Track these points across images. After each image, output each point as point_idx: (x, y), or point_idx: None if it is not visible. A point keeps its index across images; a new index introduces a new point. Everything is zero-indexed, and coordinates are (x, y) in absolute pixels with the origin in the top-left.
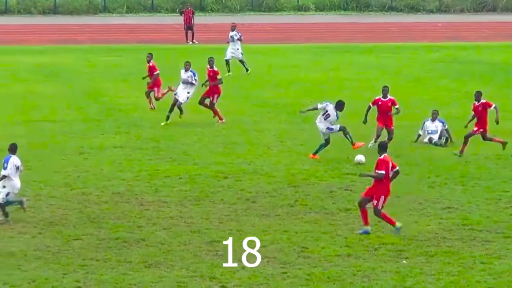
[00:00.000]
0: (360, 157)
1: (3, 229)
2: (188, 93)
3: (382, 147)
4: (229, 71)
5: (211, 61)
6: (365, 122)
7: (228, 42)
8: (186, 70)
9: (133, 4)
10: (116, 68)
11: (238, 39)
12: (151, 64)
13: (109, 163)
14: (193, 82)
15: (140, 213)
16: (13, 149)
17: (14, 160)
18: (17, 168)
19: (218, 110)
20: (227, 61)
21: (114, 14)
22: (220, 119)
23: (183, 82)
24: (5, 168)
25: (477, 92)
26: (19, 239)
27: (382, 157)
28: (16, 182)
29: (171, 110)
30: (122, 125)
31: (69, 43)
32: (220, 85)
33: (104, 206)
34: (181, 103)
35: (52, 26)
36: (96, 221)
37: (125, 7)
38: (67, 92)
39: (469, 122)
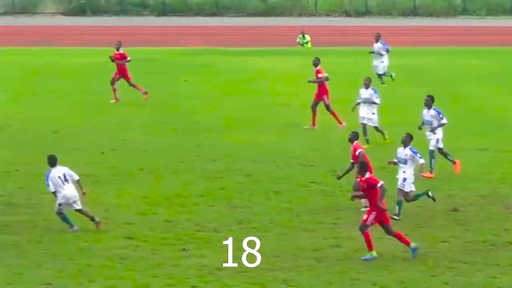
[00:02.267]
0: None
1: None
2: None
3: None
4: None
5: (315, 61)
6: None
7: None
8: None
9: (492, 6)
10: (478, 70)
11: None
12: None
13: (473, 165)
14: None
15: (506, 216)
16: (52, 162)
17: (55, 173)
18: (65, 177)
19: (335, 111)
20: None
21: (474, 17)
22: (340, 123)
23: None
24: (47, 186)
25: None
26: (387, 241)
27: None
28: (67, 192)
29: None
30: (487, 127)
31: (430, 44)
32: (326, 84)
33: (470, 208)
34: None
35: (411, 28)
36: (462, 223)
37: (485, 9)
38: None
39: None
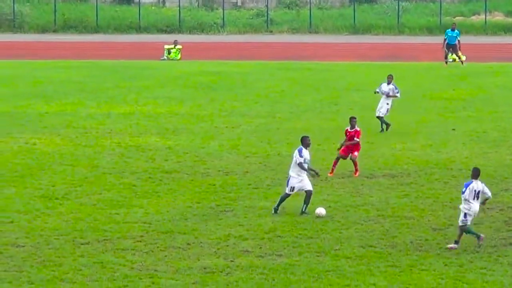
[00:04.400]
0: (320, 210)
1: None
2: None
3: None
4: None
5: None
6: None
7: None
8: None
9: None
10: None
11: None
12: None
13: None
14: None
15: None
16: (475, 174)
17: (475, 185)
18: (476, 193)
19: None
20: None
21: None
22: None
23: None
24: (463, 193)
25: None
26: None
27: None
28: (474, 205)
29: None
30: None
31: None
32: None
33: None
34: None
35: None
36: None
37: None
38: None
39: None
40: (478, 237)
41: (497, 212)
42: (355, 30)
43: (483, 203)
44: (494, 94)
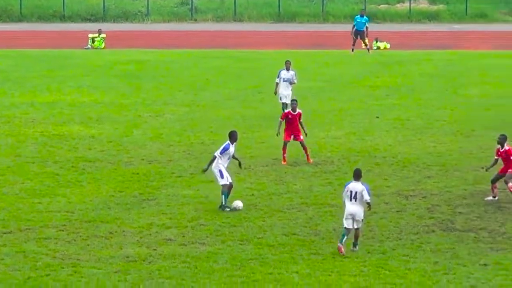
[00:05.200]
0: (238, 203)
1: None
2: None
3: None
4: None
5: None
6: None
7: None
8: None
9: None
10: None
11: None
12: None
13: None
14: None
15: None
16: (355, 175)
17: (352, 186)
18: (354, 195)
19: None
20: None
21: None
22: None
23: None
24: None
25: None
26: None
27: None
28: (349, 207)
29: None
30: None
31: None
32: None
33: None
34: None
35: None
36: None
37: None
38: None
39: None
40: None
41: (420, 200)
42: (279, 18)
43: (368, 207)
44: (418, 82)
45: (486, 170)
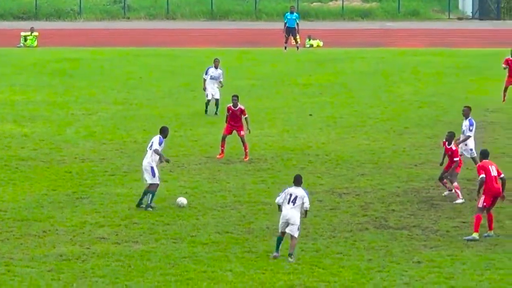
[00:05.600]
0: (182, 200)
1: None
2: None
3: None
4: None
5: None
6: None
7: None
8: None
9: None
10: None
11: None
12: None
13: None
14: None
15: None
16: (296, 181)
17: (292, 190)
18: (293, 199)
19: None
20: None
21: None
22: None
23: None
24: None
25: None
26: None
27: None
28: (286, 211)
29: None
30: None
31: None
32: None
33: None
34: None
35: None
36: None
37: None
38: None
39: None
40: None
41: (353, 197)
42: (212, 16)
43: (305, 215)
44: (351, 80)
45: (441, 164)
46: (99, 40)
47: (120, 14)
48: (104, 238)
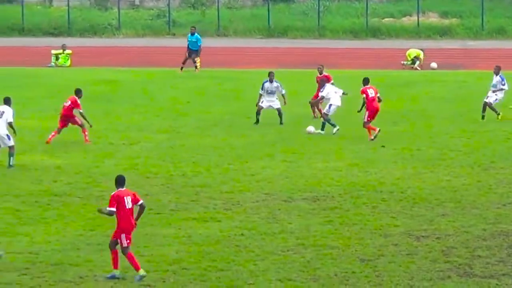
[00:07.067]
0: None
1: None
2: None
3: (117, 182)
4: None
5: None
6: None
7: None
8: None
9: None
10: None
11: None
12: None
13: None
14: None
15: None
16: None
17: None
18: None
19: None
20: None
21: None
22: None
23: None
24: None
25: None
26: None
27: (115, 192)
28: None
29: None
30: None
31: None
32: None
33: None
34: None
35: None
36: None
37: None
38: None
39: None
40: None
41: (433, 241)
42: (269, 32)
43: None
44: (428, 106)
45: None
46: (141, 59)
47: (164, 30)
48: (149, 286)
